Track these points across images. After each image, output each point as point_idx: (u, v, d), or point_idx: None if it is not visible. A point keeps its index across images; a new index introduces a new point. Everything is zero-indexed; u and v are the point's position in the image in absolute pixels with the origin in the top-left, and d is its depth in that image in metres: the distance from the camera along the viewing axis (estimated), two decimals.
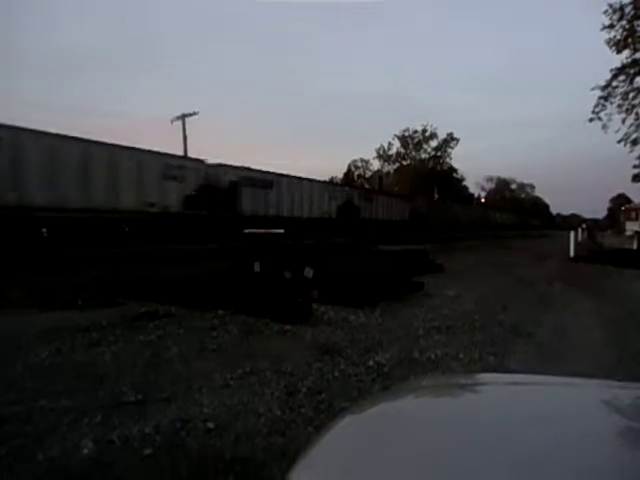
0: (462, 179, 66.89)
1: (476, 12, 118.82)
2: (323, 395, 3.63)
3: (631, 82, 20.64)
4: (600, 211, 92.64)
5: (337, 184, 36.66)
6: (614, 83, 20.83)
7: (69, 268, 9.16)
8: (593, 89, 21.17)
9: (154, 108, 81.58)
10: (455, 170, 63.60)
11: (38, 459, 2.58)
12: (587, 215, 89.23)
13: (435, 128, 59.59)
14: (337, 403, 3.43)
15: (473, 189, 74.26)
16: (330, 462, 1.08)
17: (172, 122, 28.05)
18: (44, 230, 12.49)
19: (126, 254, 11.35)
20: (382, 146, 61.78)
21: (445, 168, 61.78)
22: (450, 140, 60.40)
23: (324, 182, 30.84)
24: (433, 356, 4.75)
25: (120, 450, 2.71)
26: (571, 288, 10.40)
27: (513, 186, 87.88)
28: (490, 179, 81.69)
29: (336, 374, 4.12)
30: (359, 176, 65.90)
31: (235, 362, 4.33)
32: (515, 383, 1.61)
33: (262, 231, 15.39)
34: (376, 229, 28.35)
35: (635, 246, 23.19)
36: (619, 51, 20.13)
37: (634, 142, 20.78)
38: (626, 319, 6.99)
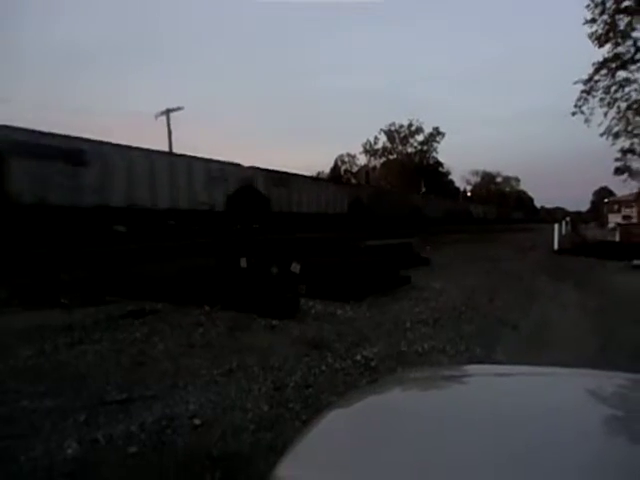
0: (448, 173, 67.39)
1: (462, 7, 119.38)
2: (311, 390, 3.62)
3: (613, 76, 20.96)
4: (584, 204, 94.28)
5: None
6: (596, 77, 21.14)
7: (55, 267, 9.01)
8: (576, 83, 21.47)
9: (138, 104, 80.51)
10: (441, 164, 64.01)
11: (20, 460, 2.53)
12: (571, 208, 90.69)
13: (421, 122, 59.89)
14: (325, 397, 3.42)
15: (459, 183, 74.81)
16: (317, 456, 1.07)
17: (156, 117, 27.73)
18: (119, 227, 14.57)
19: (112, 252, 11.22)
20: (368, 141, 61.93)
21: (431, 162, 62.11)
22: (436, 134, 60.75)
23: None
24: (420, 349, 4.77)
25: (105, 449, 2.67)
26: (555, 280, 10.54)
27: (498, 180, 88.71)
28: (476, 173, 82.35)
29: (323, 368, 4.12)
30: (346, 171, 65.93)
31: (222, 358, 4.30)
32: (501, 374, 1.62)
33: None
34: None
35: (617, 238, 23.61)
36: (601, 45, 20.41)
37: (616, 135, 21.16)
38: (609, 310, 7.11)
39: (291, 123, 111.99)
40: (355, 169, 65.11)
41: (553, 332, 5.77)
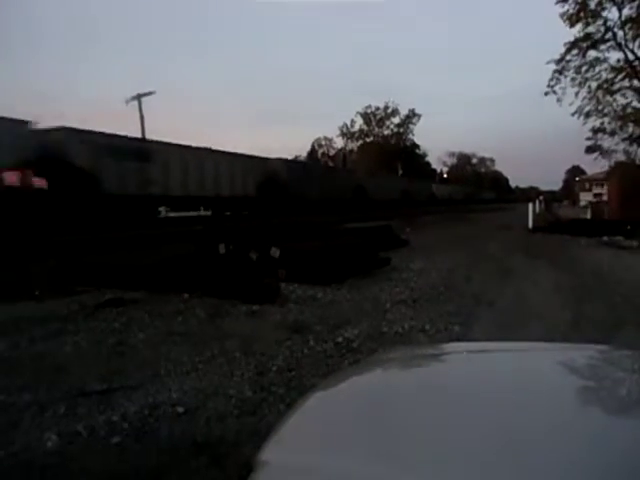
0: (425, 155, 67.78)
1: None
2: (293, 373, 3.64)
3: (584, 56, 21.22)
4: (557, 183, 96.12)
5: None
6: (568, 57, 21.38)
7: (25, 257, 8.76)
8: (548, 63, 21.68)
9: (106, 89, 77.96)
10: (418, 146, 64.33)
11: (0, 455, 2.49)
12: (544, 187, 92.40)
13: (397, 104, 59.89)
14: (307, 380, 3.45)
15: (436, 165, 75.35)
16: (301, 439, 1.07)
17: (127, 102, 27.01)
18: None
19: (86, 240, 10.96)
20: (345, 124, 61.71)
21: (408, 144, 62.32)
22: (412, 116, 60.93)
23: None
24: (401, 329, 4.84)
25: (86, 441, 2.65)
26: (530, 258, 10.78)
27: (474, 161, 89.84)
28: (452, 154, 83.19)
29: (306, 351, 4.14)
30: (323, 154, 65.67)
31: (203, 345, 4.28)
32: (479, 351, 1.65)
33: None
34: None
35: (589, 216, 24.25)
36: (572, 25, 20.59)
37: (587, 115, 21.50)
38: (581, 286, 7.32)
39: (266, 107, 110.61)
40: (332, 152, 64.91)
41: (528, 309, 5.92)
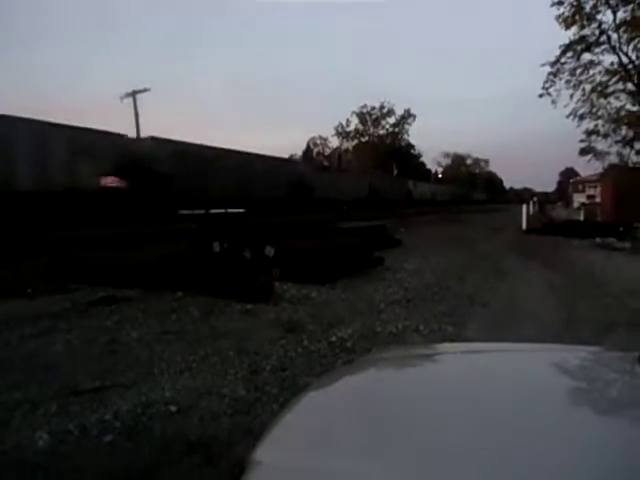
0: (420, 155, 67.86)
1: None
2: (287, 372, 3.64)
3: (578, 58, 21.38)
4: (550, 185, 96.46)
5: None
6: (563, 59, 21.52)
7: (18, 255, 8.70)
8: (543, 65, 21.81)
9: (101, 86, 77.50)
10: (413, 146, 64.41)
11: None
12: (538, 189, 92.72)
13: (392, 105, 59.92)
14: (301, 379, 3.45)
15: (430, 165, 75.48)
16: (294, 439, 1.07)
17: (122, 99, 26.78)
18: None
19: (80, 237, 10.88)
20: (340, 123, 61.66)
21: (403, 144, 62.40)
22: (407, 116, 60.95)
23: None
24: (394, 329, 4.85)
25: (78, 439, 2.63)
26: (524, 259, 10.84)
27: (468, 162, 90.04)
28: (446, 155, 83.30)
29: (299, 351, 4.14)
30: (318, 153, 65.65)
31: (197, 344, 4.27)
32: (472, 351, 1.65)
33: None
34: None
35: (582, 217, 24.40)
36: (568, 27, 20.74)
37: (581, 117, 21.67)
38: (574, 287, 7.37)
39: (261, 105, 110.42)
40: (328, 152, 64.91)
41: (521, 310, 5.95)
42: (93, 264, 7.47)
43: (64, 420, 2.82)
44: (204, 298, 5.99)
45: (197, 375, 3.56)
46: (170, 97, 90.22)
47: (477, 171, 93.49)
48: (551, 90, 21.85)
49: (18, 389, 3.24)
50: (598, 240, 14.54)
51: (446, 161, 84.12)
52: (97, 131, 15.35)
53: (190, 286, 6.36)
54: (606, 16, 20.57)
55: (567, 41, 21.07)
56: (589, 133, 21.76)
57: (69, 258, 7.76)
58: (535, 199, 30.58)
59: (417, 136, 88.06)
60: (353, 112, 60.98)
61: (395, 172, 52.24)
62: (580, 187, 47.89)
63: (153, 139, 17.81)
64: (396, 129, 61.46)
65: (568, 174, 66.23)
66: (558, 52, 21.37)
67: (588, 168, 24.45)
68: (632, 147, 20.56)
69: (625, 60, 20.54)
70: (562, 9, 20.43)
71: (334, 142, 64.13)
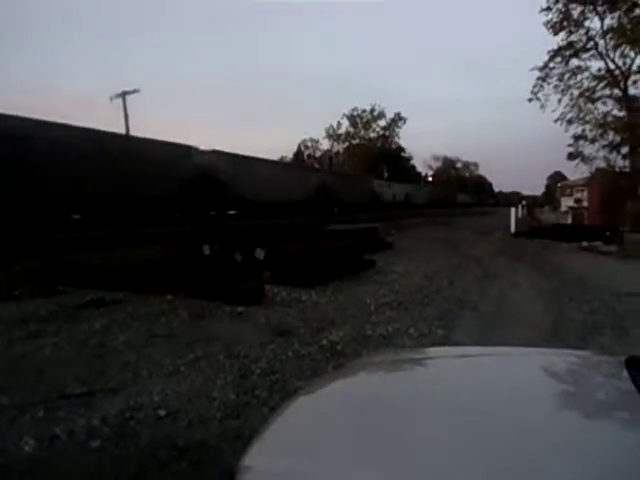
0: (410, 158, 68.15)
1: None
2: (277, 376, 3.63)
3: (566, 64, 21.63)
4: (539, 188, 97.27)
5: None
6: (551, 64, 21.77)
7: (4, 257, 8.57)
8: (532, 70, 22.06)
9: (89, 85, 76.74)
10: (403, 149, 64.68)
11: None
12: (527, 192, 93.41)
13: (383, 108, 60.17)
14: (291, 383, 3.44)
15: (421, 168, 75.80)
16: (284, 444, 1.07)
17: (112, 100, 26.51)
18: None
19: (68, 239, 10.75)
20: (331, 126, 61.77)
21: (393, 147, 62.64)
22: (398, 119, 61.23)
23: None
24: (385, 332, 4.86)
25: (65, 445, 2.59)
26: (513, 262, 10.94)
27: (458, 165, 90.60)
28: (437, 158, 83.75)
29: (290, 354, 4.13)
30: (309, 156, 65.67)
31: (186, 347, 4.24)
32: (463, 355, 1.67)
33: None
34: None
35: (570, 221, 24.69)
36: (556, 33, 21.00)
37: (569, 122, 21.87)
38: (562, 290, 7.45)
39: (251, 106, 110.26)
40: (318, 154, 64.95)
41: (510, 313, 6.00)
42: (82, 266, 7.38)
43: (51, 425, 2.79)
44: (194, 301, 5.95)
45: (186, 379, 3.54)
46: (161, 98, 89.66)
47: (467, 174, 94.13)
48: (540, 95, 22.11)
49: (4, 393, 3.19)
50: (585, 244, 14.71)
51: (436, 164, 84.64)
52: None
53: (180, 289, 6.32)
54: (593, 23, 20.92)
55: (555, 46, 21.37)
56: (577, 138, 22.00)
57: (57, 261, 7.66)
58: (524, 202, 30.87)
59: (408, 139, 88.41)
60: (344, 115, 61.18)
61: (386, 175, 52.33)
62: (568, 191, 48.37)
63: (215, 152, 19.53)
64: (387, 132, 61.72)
65: (556, 178, 66.89)
66: (546, 57, 21.66)
67: (576, 172, 24.70)
68: (619, 152, 20.81)
69: (612, 66, 20.87)
70: (550, 15, 20.72)
71: (325, 144, 64.26)
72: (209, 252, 7.17)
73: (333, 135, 62.01)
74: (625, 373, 1.19)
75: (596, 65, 21.38)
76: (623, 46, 20.03)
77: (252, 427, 2.59)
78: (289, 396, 1.28)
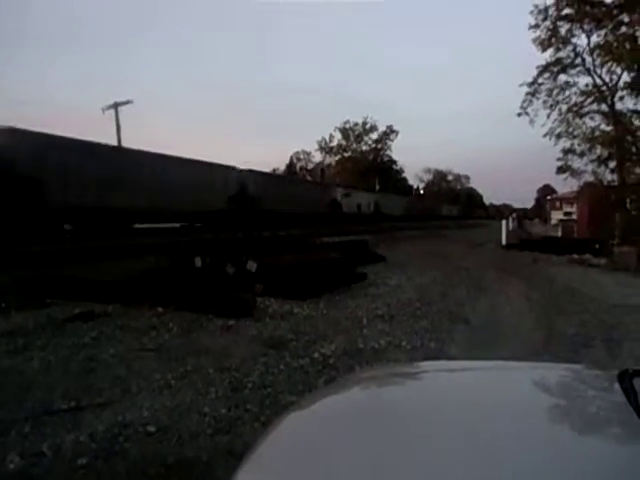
0: (402, 171, 68.61)
1: (410, 8, 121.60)
2: (269, 389, 3.59)
3: (555, 79, 22.01)
4: (529, 201, 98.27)
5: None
6: (540, 80, 22.13)
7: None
8: (521, 85, 22.39)
9: (81, 96, 76.67)
10: (395, 162, 65.15)
11: None
12: (517, 205, 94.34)
13: (375, 120, 60.69)
14: (283, 397, 3.41)
15: (412, 181, 76.31)
16: (277, 461, 1.05)
17: (104, 111, 26.57)
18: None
19: (56, 251, 10.65)
20: (324, 138, 62.12)
21: (385, 160, 63.09)
22: (390, 132, 61.74)
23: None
24: (377, 345, 4.84)
25: (51, 462, 2.54)
26: (504, 274, 10.99)
27: (449, 178, 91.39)
28: (428, 171, 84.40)
29: (282, 367, 4.09)
30: (301, 168, 65.93)
31: (177, 361, 4.19)
32: (455, 369, 1.66)
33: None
34: None
35: (560, 233, 24.94)
36: (544, 49, 21.38)
37: (558, 136, 22.17)
38: (552, 303, 7.49)
39: (244, 119, 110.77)
40: (311, 166, 65.24)
41: (501, 326, 6.01)
42: (71, 279, 7.30)
43: (37, 441, 2.73)
44: (185, 314, 5.90)
45: (176, 393, 3.49)
46: (153, 110, 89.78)
47: (458, 187, 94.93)
48: (529, 110, 22.43)
49: None
50: (575, 256, 14.85)
51: (428, 177, 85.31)
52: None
53: (171, 301, 6.26)
54: (581, 40, 21.35)
55: (544, 61, 21.76)
56: (566, 152, 22.30)
57: (46, 273, 7.58)
58: (514, 215, 31.16)
59: (399, 152, 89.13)
60: (336, 127, 61.61)
61: (377, 187, 52.60)
62: (557, 204, 48.96)
63: (248, 171, 22.65)
64: (378, 145, 62.20)
65: (546, 191, 67.63)
66: (535, 71, 22.04)
67: (565, 185, 24.99)
68: (607, 166, 21.12)
69: (599, 82, 21.27)
70: (538, 32, 21.13)
71: (317, 157, 64.57)
72: (201, 264, 7.14)
73: (325, 147, 62.36)
74: (618, 386, 1.20)
75: (584, 81, 21.79)
76: (610, 63, 20.46)
77: (244, 442, 2.56)
78: (281, 410, 1.26)
